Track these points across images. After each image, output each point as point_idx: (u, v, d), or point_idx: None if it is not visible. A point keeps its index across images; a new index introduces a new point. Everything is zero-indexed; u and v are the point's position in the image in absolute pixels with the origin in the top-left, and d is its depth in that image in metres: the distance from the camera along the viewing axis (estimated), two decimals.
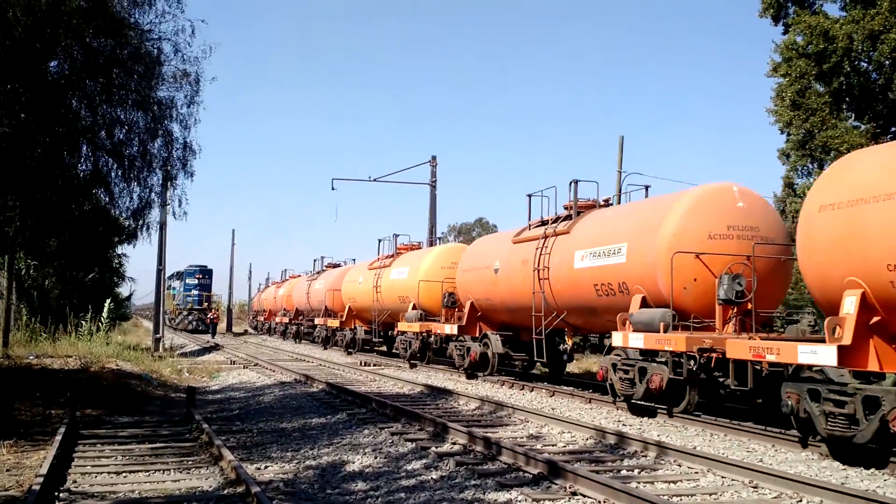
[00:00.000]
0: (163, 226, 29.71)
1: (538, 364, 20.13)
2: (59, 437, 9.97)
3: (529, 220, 19.20)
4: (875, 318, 9.14)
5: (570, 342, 17.87)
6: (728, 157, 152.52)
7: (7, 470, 9.05)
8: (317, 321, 37.73)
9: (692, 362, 12.08)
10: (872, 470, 8.88)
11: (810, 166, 26.35)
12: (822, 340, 9.33)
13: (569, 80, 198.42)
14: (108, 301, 30.80)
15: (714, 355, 11.89)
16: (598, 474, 8.02)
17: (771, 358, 10.14)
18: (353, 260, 37.82)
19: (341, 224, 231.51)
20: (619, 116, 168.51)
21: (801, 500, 7.30)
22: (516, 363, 20.30)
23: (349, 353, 31.55)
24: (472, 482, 8.24)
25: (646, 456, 9.64)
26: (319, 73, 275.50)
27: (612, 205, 17.42)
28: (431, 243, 34.55)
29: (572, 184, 17.31)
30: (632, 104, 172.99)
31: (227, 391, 18.90)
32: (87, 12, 13.21)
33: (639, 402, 13.41)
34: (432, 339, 23.39)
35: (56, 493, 7.74)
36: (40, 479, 7.56)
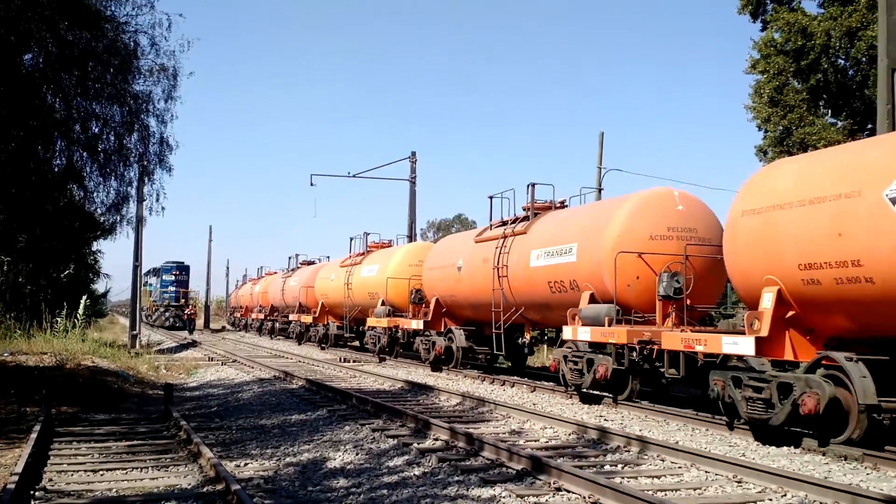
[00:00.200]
0: (139, 221, 29.33)
1: (501, 357, 20.75)
2: (34, 435, 9.78)
3: (491, 220, 20.11)
4: (790, 313, 10.19)
5: (528, 336, 18.72)
6: (706, 154, 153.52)
7: None
8: (291, 317, 38.62)
9: (634, 353, 13.22)
10: (854, 464, 8.91)
11: None
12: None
13: (549, 77, 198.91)
14: (84, 298, 30.37)
15: (654, 347, 12.83)
16: (581, 470, 7.98)
17: (700, 348, 11.26)
18: (328, 257, 38.79)
19: (320, 220, 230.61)
20: (599, 113, 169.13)
21: (785, 495, 7.29)
22: (479, 356, 21.08)
23: (322, 349, 32.27)
24: (455, 478, 8.17)
25: (628, 451, 9.61)
26: (298, 71, 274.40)
27: (567, 206, 18.29)
28: (411, 239, 34.50)
29: (530, 186, 18.33)
30: (611, 100, 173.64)
31: (206, 388, 18.71)
32: (61, 3, 12.99)
33: (587, 391, 14.39)
34: (400, 334, 24.10)
35: (31, 492, 7.58)
36: (15, 478, 7.40)
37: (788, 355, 10.25)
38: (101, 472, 8.67)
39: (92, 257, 37.22)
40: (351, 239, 31.43)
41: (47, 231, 17.18)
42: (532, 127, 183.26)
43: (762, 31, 27.29)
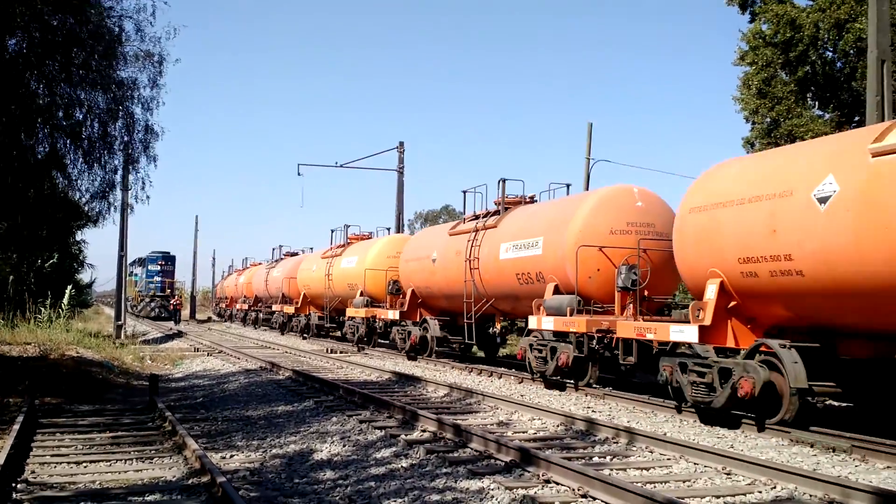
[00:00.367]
0: (124, 210, 29.17)
1: (475, 347, 21.70)
2: (16, 427, 9.64)
3: (464, 214, 21.10)
4: (732, 303, 11.00)
5: (498, 326, 19.54)
6: (695, 145, 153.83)
7: None
8: (275, 307, 39.18)
9: (593, 342, 14.06)
10: (843, 456, 8.90)
11: None
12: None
13: (539, 68, 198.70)
14: (69, 287, 30.16)
15: (611, 335, 13.62)
16: (570, 461, 7.92)
17: (650, 336, 12.10)
18: (311, 249, 39.28)
19: (308, 210, 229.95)
20: (589, 104, 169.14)
21: (774, 487, 7.25)
22: (454, 346, 21.69)
23: (304, 338, 32.87)
24: (444, 470, 8.09)
25: (617, 442, 9.57)
26: (285, 60, 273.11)
27: (536, 201, 18.95)
28: (399, 229, 34.44)
29: (500, 182, 19.14)
30: (601, 92, 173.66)
31: (191, 379, 18.58)
32: None
33: (551, 378, 15.20)
34: (378, 323, 24.72)
35: (13, 484, 7.46)
36: None
37: (730, 342, 11.03)
38: (84, 464, 8.57)
39: (76, 247, 36.96)
40: (332, 231, 31.87)
41: (29, 219, 16.94)
42: (522, 118, 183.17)
43: (751, 22, 27.27)
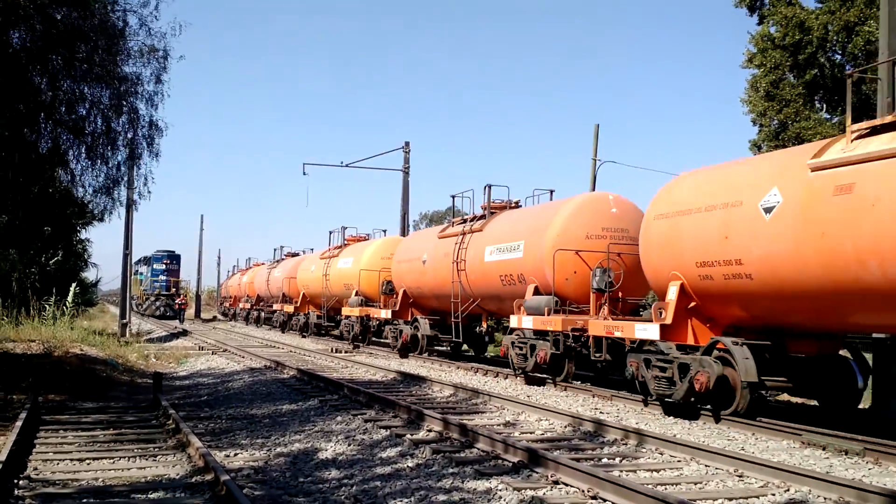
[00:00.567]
0: (129, 208, 29.06)
1: (465, 345, 22.69)
2: (19, 423, 9.54)
3: (453, 217, 22.20)
4: (692, 304, 11.81)
5: (485, 325, 20.61)
6: (702, 147, 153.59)
7: None
8: (275, 307, 40.29)
9: (569, 340, 14.95)
10: (856, 459, 8.77)
11: None
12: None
13: (546, 69, 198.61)
14: (73, 285, 30.09)
15: (586, 334, 14.42)
16: (579, 462, 7.81)
17: (618, 334, 13.14)
18: (311, 249, 39.87)
19: (313, 210, 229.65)
20: (597, 106, 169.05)
21: (788, 490, 7.13)
22: (444, 344, 22.62)
23: (304, 337, 33.87)
24: (450, 470, 7.98)
25: (626, 444, 9.45)
26: (292, 62, 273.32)
27: (520, 206, 19.88)
28: (404, 230, 34.36)
29: (486, 188, 20.22)
30: (609, 93, 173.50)
31: (196, 377, 18.49)
32: None
33: (530, 374, 16.10)
34: (371, 322, 25.85)
35: (15, 481, 7.37)
36: None
37: (690, 340, 11.84)
38: (87, 461, 8.47)
39: (81, 246, 36.90)
40: (330, 232, 32.76)
41: (32, 215, 16.83)
42: (529, 120, 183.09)
43: (759, 24, 27.11)
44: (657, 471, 8.03)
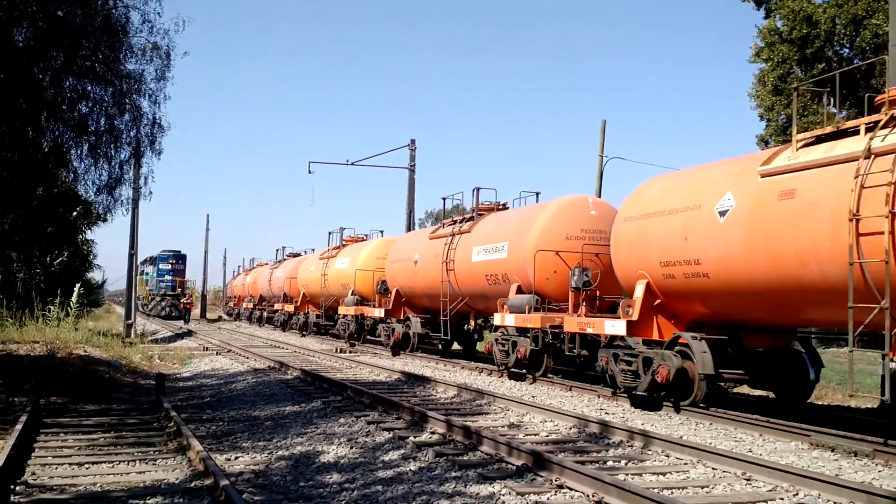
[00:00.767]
0: (135, 208, 29.06)
1: (455, 343, 23.50)
2: (19, 427, 9.44)
3: (444, 219, 23.09)
4: (657, 301, 12.57)
5: (472, 323, 21.24)
6: (709, 142, 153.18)
7: None
8: (277, 306, 41.23)
9: (548, 336, 15.72)
10: (865, 461, 8.62)
11: None
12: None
13: (555, 67, 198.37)
14: (78, 286, 30.03)
15: (563, 330, 15.11)
16: (584, 466, 7.68)
17: (590, 330, 14.00)
18: (313, 250, 40.42)
19: (319, 209, 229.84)
20: (604, 103, 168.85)
21: (797, 494, 6.98)
22: (435, 342, 23.12)
23: (303, 335, 34.78)
24: (453, 474, 7.86)
25: (631, 446, 9.31)
26: (298, 61, 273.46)
27: (507, 208, 20.72)
28: (409, 228, 34.28)
29: (475, 191, 21.13)
30: (616, 89, 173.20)
31: (199, 378, 18.41)
32: None
33: (512, 370, 16.84)
34: (366, 321, 26.95)
35: (12, 487, 7.27)
36: None
37: (656, 335, 12.57)
38: (86, 466, 8.37)
39: (85, 247, 36.86)
40: (329, 233, 33.96)
41: (35, 215, 16.72)
42: (536, 117, 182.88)
43: (766, 18, 26.95)
44: (663, 474, 7.90)
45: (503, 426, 10.80)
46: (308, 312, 35.25)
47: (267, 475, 8.08)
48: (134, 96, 15.45)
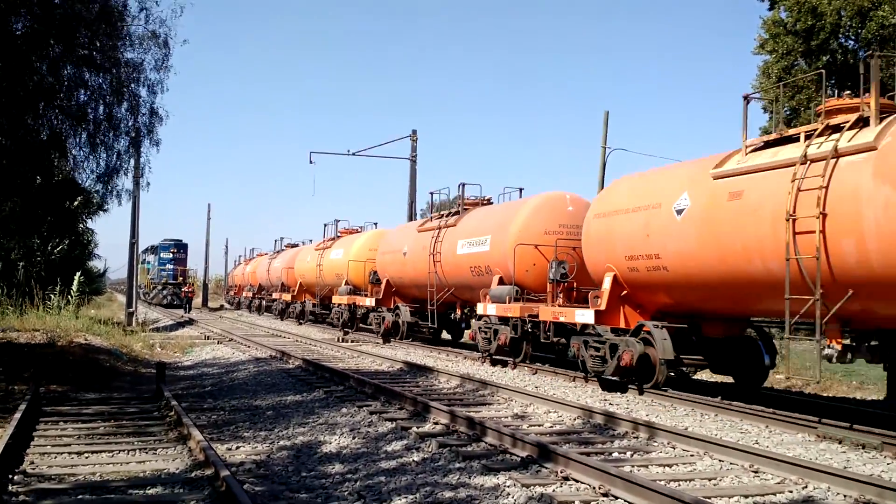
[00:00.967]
0: (135, 197, 28.94)
1: (444, 331, 24.55)
2: (18, 415, 9.35)
3: (432, 212, 24.05)
4: (624, 292, 13.44)
5: (459, 312, 21.97)
6: (711, 134, 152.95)
7: None
8: (275, 295, 42.26)
9: (527, 325, 16.61)
10: (874, 453, 8.54)
11: None
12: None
13: (557, 59, 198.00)
14: (78, 274, 29.91)
15: (540, 319, 16.01)
16: (589, 457, 7.58)
17: (562, 319, 14.99)
18: (310, 240, 41.14)
19: (320, 200, 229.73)
20: (608, 94, 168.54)
21: (806, 486, 6.89)
22: (423, 330, 23.94)
23: (300, 324, 35.60)
24: (456, 465, 7.77)
25: (637, 437, 9.22)
26: (299, 52, 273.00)
27: (491, 203, 21.65)
28: (410, 218, 34.19)
29: (460, 186, 22.01)
30: (620, 80, 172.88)
31: (200, 367, 18.33)
32: None
33: (494, 357, 17.82)
34: (358, 310, 27.90)
35: (10, 476, 7.18)
36: None
37: (622, 324, 13.43)
38: (85, 455, 8.29)
39: (86, 236, 36.76)
40: (325, 225, 34.89)
41: (34, 203, 16.58)
42: (539, 109, 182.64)
43: (770, 10, 26.75)
44: (670, 466, 7.82)
45: (507, 416, 10.72)
46: (305, 301, 36.19)
47: (268, 465, 8.00)
48: (132, 85, 15.32)
